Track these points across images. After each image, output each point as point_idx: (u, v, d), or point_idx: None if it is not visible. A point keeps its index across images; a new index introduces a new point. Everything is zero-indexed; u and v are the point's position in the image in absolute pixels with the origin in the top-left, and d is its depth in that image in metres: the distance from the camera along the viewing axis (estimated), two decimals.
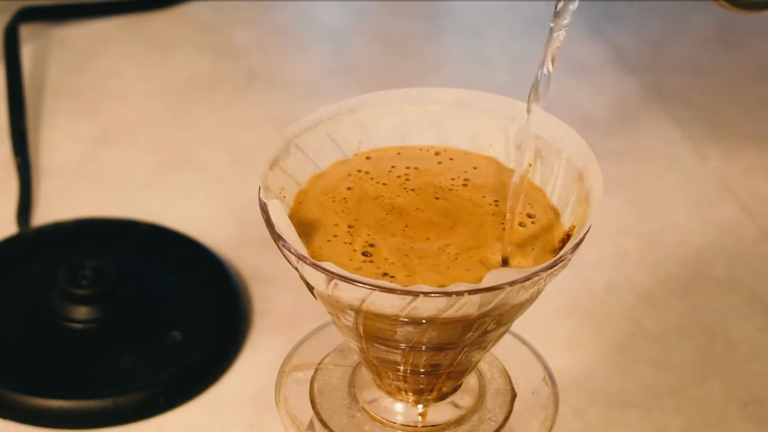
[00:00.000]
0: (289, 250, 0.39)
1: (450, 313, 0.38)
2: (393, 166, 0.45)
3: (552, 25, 0.41)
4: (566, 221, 0.43)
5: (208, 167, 0.80)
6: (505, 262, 0.41)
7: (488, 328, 0.40)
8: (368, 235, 0.42)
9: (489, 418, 0.45)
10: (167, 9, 0.97)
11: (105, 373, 0.64)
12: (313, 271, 0.38)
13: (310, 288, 0.40)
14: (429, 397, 0.45)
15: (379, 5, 1.01)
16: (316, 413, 0.45)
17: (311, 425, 0.46)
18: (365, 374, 0.46)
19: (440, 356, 0.41)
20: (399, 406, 0.45)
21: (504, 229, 0.42)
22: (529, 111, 0.42)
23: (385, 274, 0.40)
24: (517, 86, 0.43)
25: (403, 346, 0.40)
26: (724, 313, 0.69)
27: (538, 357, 0.48)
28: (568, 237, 0.42)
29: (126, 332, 0.66)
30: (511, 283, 0.38)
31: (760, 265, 0.73)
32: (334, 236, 0.42)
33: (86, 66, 0.90)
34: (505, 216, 0.43)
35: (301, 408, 0.46)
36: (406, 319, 0.38)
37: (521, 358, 0.48)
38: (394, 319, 0.38)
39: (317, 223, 0.42)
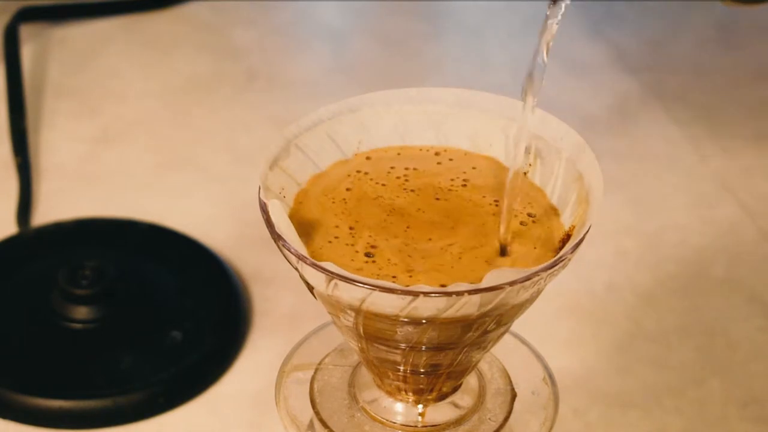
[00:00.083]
0: (289, 250, 0.39)
1: (450, 313, 0.38)
2: (392, 167, 0.45)
3: (548, 13, 0.41)
4: (566, 221, 0.43)
5: (208, 167, 0.80)
6: (503, 250, 0.41)
7: (488, 328, 0.40)
8: (370, 236, 0.42)
9: (489, 418, 0.45)
10: (167, 9, 0.97)
11: (105, 373, 0.64)
12: (313, 271, 0.38)
13: (310, 288, 0.40)
14: (429, 397, 0.45)
15: (379, 5, 1.01)
16: (316, 413, 0.45)
17: (311, 425, 0.46)
18: (365, 374, 0.46)
19: (440, 356, 0.41)
20: (399, 406, 0.45)
21: (501, 220, 0.42)
22: (524, 100, 0.42)
23: (392, 276, 0.40)
24: (517, 86, 0.43)
25: (403, 346, 0.40)
26: (724, 313, 0.69)
27: (538, 357, 0.48)
28: (568, 237, 0.42)
29: (126, 332, 0.66)
30: (511, 283, 0.38)
31: (760, 265, 0.73)
32: (336, 238, 0.41)
33: (86, 66, 0.90)
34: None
35: (301, 408, 0.46)
36: (406, 319, 0.38)
37: (521, 358, 0.48)
38: (394, 319, 0.38)
39: (318, 224, 0.42)
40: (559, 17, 0.41)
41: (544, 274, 0.38)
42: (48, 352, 0.65)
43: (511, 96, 0.45)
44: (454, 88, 0.46)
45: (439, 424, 0.45)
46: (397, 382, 0.44)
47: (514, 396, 0.46)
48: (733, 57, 0.94)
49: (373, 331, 0.40)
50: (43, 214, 0.75)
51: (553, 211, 0.43)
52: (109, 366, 0.64)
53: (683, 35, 0.97)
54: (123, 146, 0.82)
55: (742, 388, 0.64)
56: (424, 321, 0.38)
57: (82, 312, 0.66)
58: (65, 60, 0.90)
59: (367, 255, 0.41)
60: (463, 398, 0.45)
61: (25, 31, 0.91)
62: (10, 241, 0.72)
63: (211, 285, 0.69)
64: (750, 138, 0.85)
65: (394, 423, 0.45)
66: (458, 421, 0.45)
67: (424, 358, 0.41)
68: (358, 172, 0.45)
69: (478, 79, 0.89)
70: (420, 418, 0.45)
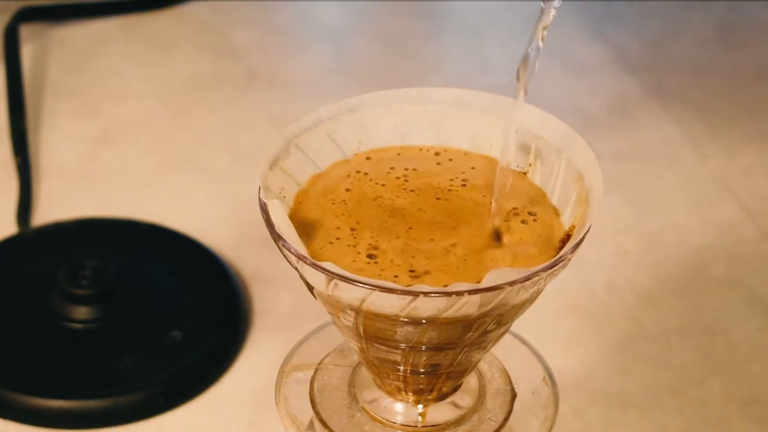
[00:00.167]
0: (289, 250, 0.39)
1: (450, 313, 0.38)
2: (392, 167, 0.45)
3: (542, 5, 0.41)
4: (566, 221, 0.43)
5: (208, 167, 0.80)
6: (497, 236, 0.41)
7: (488, 328, 0.40)
8: (371, 237, 0.41)
9: (489, 418, 0.45)
10: (167, 9, 0.97)
11: (105, 373, 0.64)
12: (313, 271, 0.38)
13: (310, 288, 0.40)
14: (429, 397, 0.45)
15: (379, 5, 1.01)
16: (316, 413, 0.45)
17: (311, 425, 0.46)
18: (365, 374, 0.46)
19: (440, 356, 0.41)
20: (399, 406, 0.45)
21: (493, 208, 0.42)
22: (518, 80, 0.42)
23: (394, 276, 0.40)
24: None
25: (403, 346, 0.40)
26: (724, 313, 0.69)
27: (538, 357, 0.48)
28: (568, 237, 0.42)
29: (126, 332, 0.66)
30: (511, 283, 0.38)
31: (760, 265, 0.73)
32: (337, 239, 0.41)
33: (86, 66, 0.90)
34: (507, 213, 0.43)
35: (301, 408, 0.46)
36: (406, 319, 0.38)
37: (521, 358, 0.48)
38: (394, 319, 0.38)
39: (318, 225, 0.42)
40: (557, 3, 0.41)
41: (544, 274, 0.38)
42: (48, 352, 0.65)
43: (511, 96, 0.45)
44: (454, 88, 0.46)
45: (439, 424, 0.45)
46: (397, 382, 0.44)
47: (514, 396, 0.46)
48: (733, 57, 0.94)
49: (373, 331, 0.40)
50: (43, 214, 0.75)
51: (553, 211, 0.43)
52: (109, 366, 0.64)
53: (683, 35, 0.97)
54: (123, 146, 0.82)
55: (742, 388, 0.64)
56: (424, 321, 0.38)
57: (82, 312, 0.66)
58: (65, 60, 0.90)
59: (370, 256, 0.41)
60: (463, 398, 0.45)
61: (25, 31, 0.91)
62: (10, 241, 0.72)
63: (211, 285, 0.69)
64: (750, 138, 0.85)
65: (394, 423, 0.45)
66: (458, 421, 0.45)
67: (424, 358, 0.41)
68: (358, 172, 0.45)
69: (478, 79, 0.90)
70: (420, 418, 0.45)
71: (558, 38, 0.94)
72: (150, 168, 0.80)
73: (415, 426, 0.45)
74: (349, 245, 0.41)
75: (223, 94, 0.88)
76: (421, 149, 0.46)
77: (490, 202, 0.43)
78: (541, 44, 0.41)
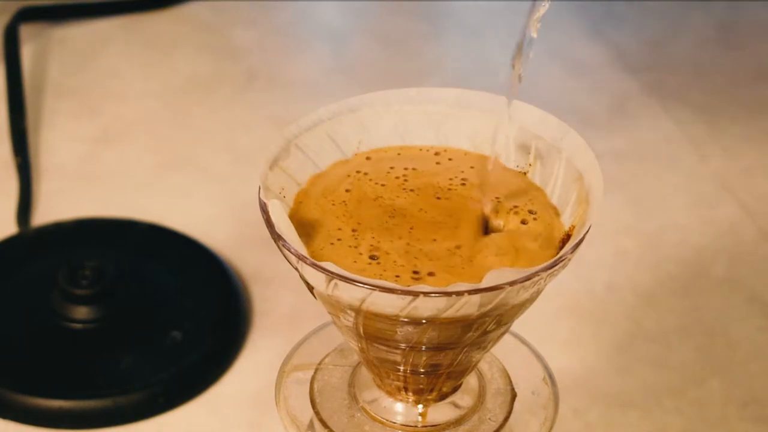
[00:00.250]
0: (289, 250, 0.39)
1: (450, 313, 0.38)
2: (391, 167, 0.45)
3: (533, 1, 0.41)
4: (566, 221, 0.43)
5: (208, 167, 0.80)
6: (486, 227, 0.41)
7: (488, 328, 0.40)
8: (373, 238, 0.41)
9: (489, 418, 0.45)
10: (167, 9, 0.97)
11: (105, 373, 0.64)
12: (313, 271, 0.38)
13: (310, 288, 0.40)
14: (429, 397, 0.45)
15: (379, 5, 1.01)
16: (316, 413, 0.45)
17: (311, 425, 0.46)
18: (365, 374, 0.46)
19: (440, 356, 0.41)
20: (399, 406, 0.45)
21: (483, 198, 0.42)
22: (513, 67, 0.42)
23: (396, 276, 0.40)
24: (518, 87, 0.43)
25: (403, 346, 0.40)
26: (724, 313, 0.69)
27: (538, 357, 0.48)
28: (568, 237, 0.42)
29: (126, 332, 0.66)
30: (511, 283, 0.38)
31: (760, 265, 0.73)
32: (338, 240, 0.41)
33: (86, 66, 0.90)
34: (507, 212, 0.43)
35: (301, 408, 0.46)
36: (406, 319, 0.38)
37: (521, 358, 0.48)
38: (394, 319, 0.38)
39: (318, 225, 0.42)
40: (546, 4, 0.41)
41: (544, 274, 0.38)
42: (48, 352, 0.65)
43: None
44: (454, 88, 0.46)
45: (439, 424, 0.45)
46: (397, 382, 0.44)
47: (514, 396, 0.46)
48: (733, 57, 0.94)
49: (373, 331, 0.40)
50: (43, 214, 0.75)
51: (553, 211, 0.43)
52: (109, 366, 0.64)
53: (683, 35, 0.97)
54: (123, 146, 0.82)
55: (742, 388, 0.64)
56: (424, 321, 0.38)
57: (82, 312, 0.66)
58: (65, 60, 0.90)
59: (372, 257, 0.41)
60: (463, 398, 0.45)
61: (25, 31, 0.91)
62: (10, 241, 0.72)
63: (211, 285, 0.69)
64: (750, 138, 0.85)
65: (394, 423, 0.45)
66: (458, 421, 0.45)
67: (424, 358, 0.41)
68: (358, 172, 0.44)
69: (478, 79, 0.89)
70: (420, 418, 0.45)
71: (558, 38, 0.94)
72: (150, 168, 0.80)
73: (415, 426, 0.45)
74: (350, 246, 0.41)
75: (223, 94, 0.88)
76: (421, 149, 0.46)
77: (491, 201, 0.43)
78: (534, 35, 0.41)
